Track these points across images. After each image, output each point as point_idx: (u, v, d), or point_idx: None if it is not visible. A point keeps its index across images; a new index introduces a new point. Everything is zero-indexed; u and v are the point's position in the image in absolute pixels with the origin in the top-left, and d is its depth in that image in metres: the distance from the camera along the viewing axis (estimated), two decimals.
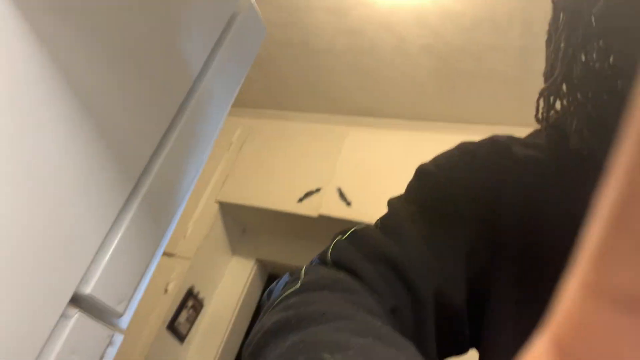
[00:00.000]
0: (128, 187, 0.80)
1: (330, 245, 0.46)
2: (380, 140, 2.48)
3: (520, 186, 0.50)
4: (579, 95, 0.50)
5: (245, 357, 0.34)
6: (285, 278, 0.44)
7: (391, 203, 0.55)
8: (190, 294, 2.48)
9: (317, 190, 2.44)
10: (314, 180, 2.49)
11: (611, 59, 0.49)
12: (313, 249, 2.51)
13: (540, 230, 0.48)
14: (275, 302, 0.38)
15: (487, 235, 0.49)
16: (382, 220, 0.51)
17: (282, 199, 2.50)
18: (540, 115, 0.53)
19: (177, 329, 2.40)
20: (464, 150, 0.55)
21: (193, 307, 2.50)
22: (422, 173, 0.55)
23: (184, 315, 2.44)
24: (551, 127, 0.53)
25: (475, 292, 0.47)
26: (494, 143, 0.54)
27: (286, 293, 0.39)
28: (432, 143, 2.37)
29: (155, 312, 2.34)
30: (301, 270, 0.43)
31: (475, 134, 2.45)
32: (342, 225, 2.20)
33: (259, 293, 2.87)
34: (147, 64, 0.83)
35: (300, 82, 2.59)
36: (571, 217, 0.46)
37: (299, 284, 0.39)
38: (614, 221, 0.11)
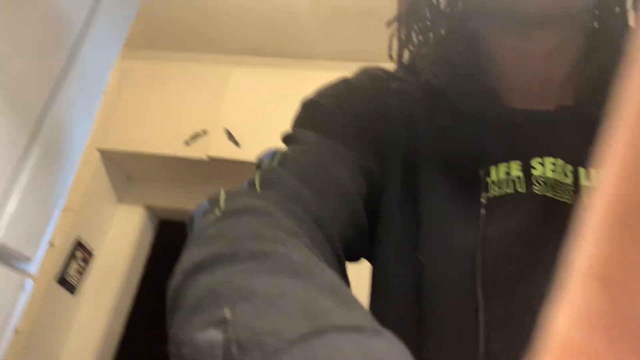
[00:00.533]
0: (26, 134, 0.78)
1: (260, 170, 0.47)
2: (265, 80, 2.50)
3: (400, 116, 0.54)
4: (431, 34, 0.55)
5: (168, 299, 0.35)
6: (204, 204, 0.44)
7: (289, 133, 0.56)
8: (78, 246, 2.40)
9: (204, 132, 2.43)
10: (199, 122, 2.47)
11: (460, 4, 0.54)
12: (204, 192, 2.56)
13: (415, 153, 0.53)
14: (196, 234, 0.39)
15: (376, 158, 0.53)
16: (289, 149, 0.52)
17: (168, 142, 2.46)
18: (392, 53, 0.56)
19: (67, 281, 2.34)
20: (346, 83, 0.57)
21: (83, 258, 2.43)
22: (309, 103, 0.57)
23: (73, 267, 2.37)
24: (409, 64, 0.57)
25: (371, 206, 0.52)
26: (372, 78, 0.57)
27: (206, 223, 0.39)
28: (316, 81, 2.44)
29: (43, 266, 2.25)
30: (219, 195, 0.43)
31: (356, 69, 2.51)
32: (233, 166, 2.28)
33: (151, 239, 2.85)
34: (32, 13, 0.79)
35: (179, 21, 2.50)
36: (437, 144, 0.52)
37: (218, 213, 0.39)
38: (625, 231, 0.09)
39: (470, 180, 0.49)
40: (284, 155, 0.49)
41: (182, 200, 2.76)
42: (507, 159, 0.48)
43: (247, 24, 2.43)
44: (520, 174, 0.48)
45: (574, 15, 0.47)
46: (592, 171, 0.47)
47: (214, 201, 0.42)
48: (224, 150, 2.36)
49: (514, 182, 0.48)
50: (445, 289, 0.47)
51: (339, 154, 0.50)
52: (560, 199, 0.47)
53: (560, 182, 0.47)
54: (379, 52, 2.74)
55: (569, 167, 0.48)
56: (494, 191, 0.48)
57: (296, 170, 0.46)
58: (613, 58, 0.47)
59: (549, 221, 0.46)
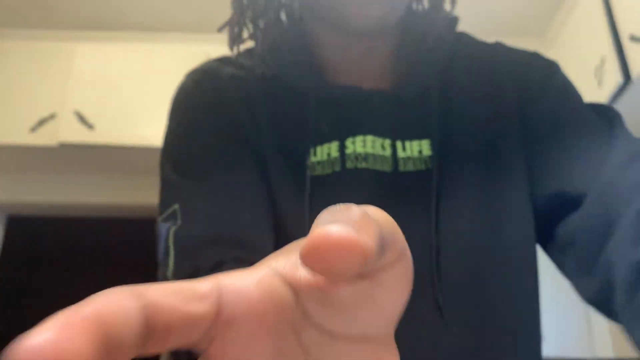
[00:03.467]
0: None
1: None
2: (114, 55, 2.33)
3: (238, 103, 0.56)
4: (261, 22, 0.59)
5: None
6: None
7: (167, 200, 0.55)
8: None
9: (52, 116, 2.22)
10: (45, 106, 2.24)
11: (296, 3, 0.60)
12: (55, 181, 2.34)
13: (257, 133, 0.56)
14: None
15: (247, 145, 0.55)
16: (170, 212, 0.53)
17: (10, 130, 2.21)
18: (231, 42, 0.60)
19: None
20: (179, 98, 0.58)
21: None
22: (165, 152, 0.57)
23: None
24: (246, 51, 0.61)
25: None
26: (203, 72, 0.59)
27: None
28: (169, 53, 2.32)
29: None
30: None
31: (210, 43, 2.47)
32: (87, 151, 2.10)
33: (2, 238, 2.58)
34: None
35: None
36: (273, 124, 0.55)
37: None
38: None
39: (300, 159, 0.54)
40: (175, 235, 0.51)
41: (30, 192, 2.52)
42: (329, 139, 0.54)
43: None
44: (337, 154, 0.54)
45: (387, 30, 0.56)
46: (407, 144, 0.54)
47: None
48: (76, 134, 2.17)
49: (332, 162, 0.53)
50: None
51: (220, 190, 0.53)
52: (379, 169, 0.53)
53: (377, 155, 0.53)
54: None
55: (387, 142, 0.54)
56: (317, 171, 0.54)
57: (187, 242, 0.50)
58: (421, 51, 0.57)
59: (368, 190, 0.52)
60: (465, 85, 0.57)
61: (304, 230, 0.44)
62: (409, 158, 0.54)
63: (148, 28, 2.41)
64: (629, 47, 1.80)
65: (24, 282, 3.41)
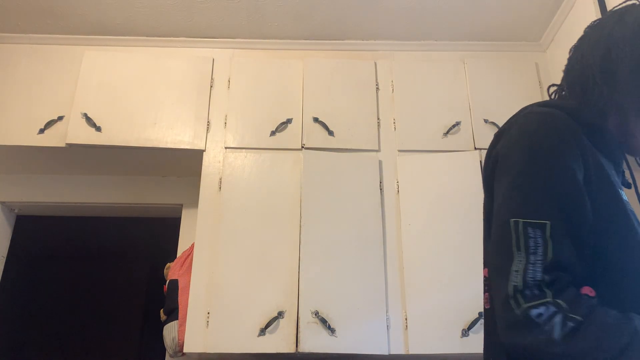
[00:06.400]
0: None
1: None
2: (121, 59, 2.38)
3: (578, 142, 0.82)
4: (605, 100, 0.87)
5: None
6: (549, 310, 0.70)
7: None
8: None
9: (60, 118, 2.27)
10: (53, 108, 2.30)
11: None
12: (63, 182, 2.39)
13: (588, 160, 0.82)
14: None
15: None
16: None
17: (20, 132, 2.26)
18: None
19: None
20: (551, 124, 0.83)
21: None
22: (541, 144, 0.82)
23: None
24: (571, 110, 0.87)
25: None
26: (556, 114, 0.85)
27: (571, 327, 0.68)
28: (175, 58, 2.38)
29: None
30: (560, 304, 0.70)
31: (213, 46, 2.53)
32: (94, 152, 2.15)
33: (8, 239, 2.63)
34: None
35: (21, 1, 2.29)
36: (597, 163, 0.81)
37: (580, 317, 0.68)
38: None
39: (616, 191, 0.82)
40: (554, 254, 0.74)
41: (39, 193, 2.58)
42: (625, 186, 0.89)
43: (98, 1, 2.29)
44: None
45: None
46: None
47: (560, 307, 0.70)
48: (83, 135, 2.23)
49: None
50: None
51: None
52: None
53: None
54: (233, 28, 2.67)
55: None
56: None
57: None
58: None
59: None
60: None
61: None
62: None
63: (154, 33, 2.46)
64: None
65: (32, 279, 3.46)
